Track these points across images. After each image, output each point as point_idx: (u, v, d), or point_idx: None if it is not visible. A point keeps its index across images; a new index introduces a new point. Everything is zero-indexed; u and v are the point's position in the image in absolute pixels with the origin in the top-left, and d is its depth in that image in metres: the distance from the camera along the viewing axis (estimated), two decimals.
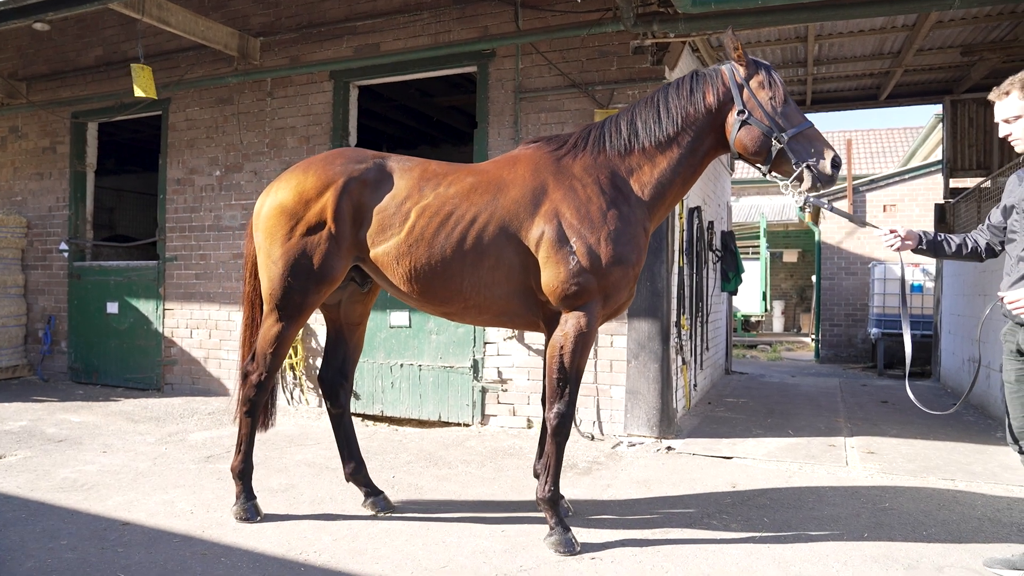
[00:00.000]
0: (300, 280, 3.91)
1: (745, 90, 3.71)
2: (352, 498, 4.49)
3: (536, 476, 4.15)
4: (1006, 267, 3.43)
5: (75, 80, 8.93)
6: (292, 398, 7.51)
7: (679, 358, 6.80)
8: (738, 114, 3.69)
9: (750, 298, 15.87)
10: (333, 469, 5.15)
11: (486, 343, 6.60)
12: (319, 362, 7.35)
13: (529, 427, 6.43)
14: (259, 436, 6.09)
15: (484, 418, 6.59)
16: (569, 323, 3.70)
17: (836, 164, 3.59)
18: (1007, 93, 3.31)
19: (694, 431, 6.40)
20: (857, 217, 3.67)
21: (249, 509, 4.09)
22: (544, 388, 4.01)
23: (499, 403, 6.54)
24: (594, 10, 6.12)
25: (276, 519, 4.10)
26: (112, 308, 8.57)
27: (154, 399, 7.82)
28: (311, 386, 7.41)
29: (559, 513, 3.76)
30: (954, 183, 10.71)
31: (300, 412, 7.23)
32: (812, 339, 14.42)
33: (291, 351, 7.37)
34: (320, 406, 7.35)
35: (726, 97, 3.75)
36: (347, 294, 4.35)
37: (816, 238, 14.56)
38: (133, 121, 9.66)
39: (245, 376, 4.14)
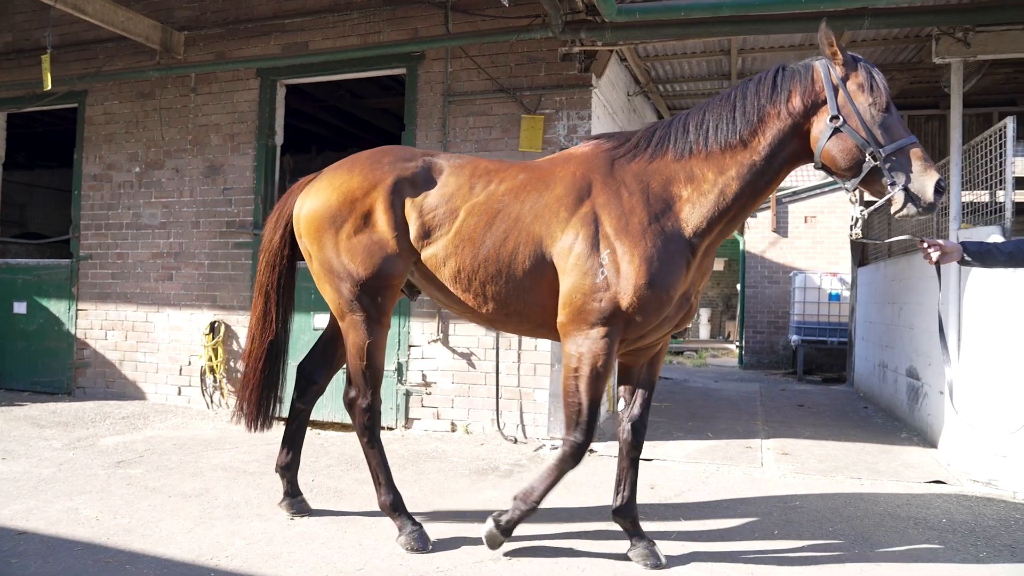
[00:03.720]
0: (361, 286, 3.66)
1: (841, 92, 3.20)
2: (269, 502, 4.39)
3: (615, 517, 3.76)
4: None
5: None
6: (212, 402, 7.30)
7: None
8: (831, 120, 3.19)
9: None
10: (251, 473, 5.03)
11: (411, 346, 6.56)
12: (240, 365, 7.18)
13: (453, 431, 6.42)
14: (175, 440, 5.96)
15: (408, 421, 6.54)
16: (584, 345, 3.37)
17: (939, 190, 3.08)
18: None
19: (617, 434, 6.49)
20: (908, 238, 3.49)
21: (419, 538, 3.71)
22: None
23: (423, 406, 6.51)
24: (523, 16, 6.18)
25: (188, 524, 3.97)
26: (20, 308, 8.17)
27: (64, 403, 7.48)
28: (231, 389, 7.22)
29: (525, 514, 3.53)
30: (868, 196, 11.19)
31: (220, 415, 7.03)
32: (736, 346, 14.84)
33: (211, 353, 7.18)
34: None
35: (817, 99, 3.24)
36: (413, 299, 4.17)
37: (741, 247, 15.00)
38: (47, 113, 9.27)
39: (351, 405, 3.85)
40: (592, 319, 3.34)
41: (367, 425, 3.83)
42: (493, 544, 3.57)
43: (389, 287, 3.73)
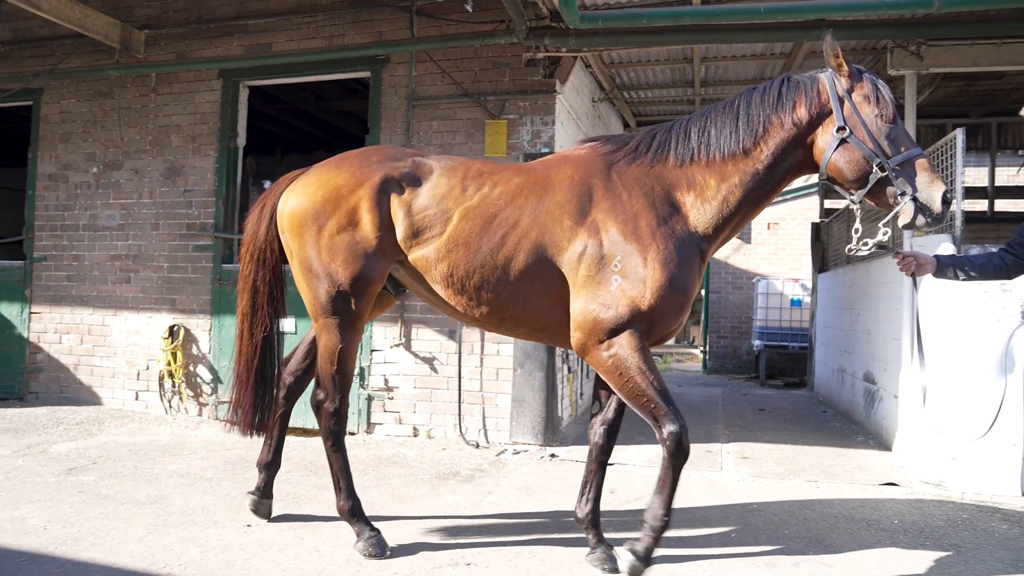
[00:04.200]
0: (339, 287, 3.60)
1: (847, 103, 3.20)
2: (226, 508, 4.33)
3: (578, 521, 3.74)
4: None
5: None
6: (170, 407, 7.18)
7: (565, 366, 6.93)
8: (837, 131, 3.18)
9: None
10: (208, 480, 4.95)
11: (372, 350, 6.52)
12: (200, 369, 7.08)
13: (415, 435, 6.39)
14: (131, 446, 5.85)
15: (370, 426, 6.50)
16: (614, 350, 3.28)
17: (947, 201, 3.10)
18: None
19: (579, 438, 6.53)
20: (889, 246, 3.50)
21: (376, 544, 3.66)
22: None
23: (385, 411, 6.47)
24: (488, 21, 6.19)
25: (140, 532, 3.90)
26: None
27: (15, 408, 7.29)
28: (191, 394, 7.11)
29: (659, 539, 3.33)
30: (828, 204, 11.45)
31: (178, 421, 6.91)
32: (701, 351, 15.00)
33: (170, 358, 7.06)
34: (200, 415, 7.06)
35: (823, 110, 3.24)
36: (397, 299, 4.08)
37: None
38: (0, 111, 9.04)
39: (318, 408, 3.78)
40: (613, 327, 3.28)
41: (333, 429, 3.78)
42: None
43: (367, 291, 3.65)
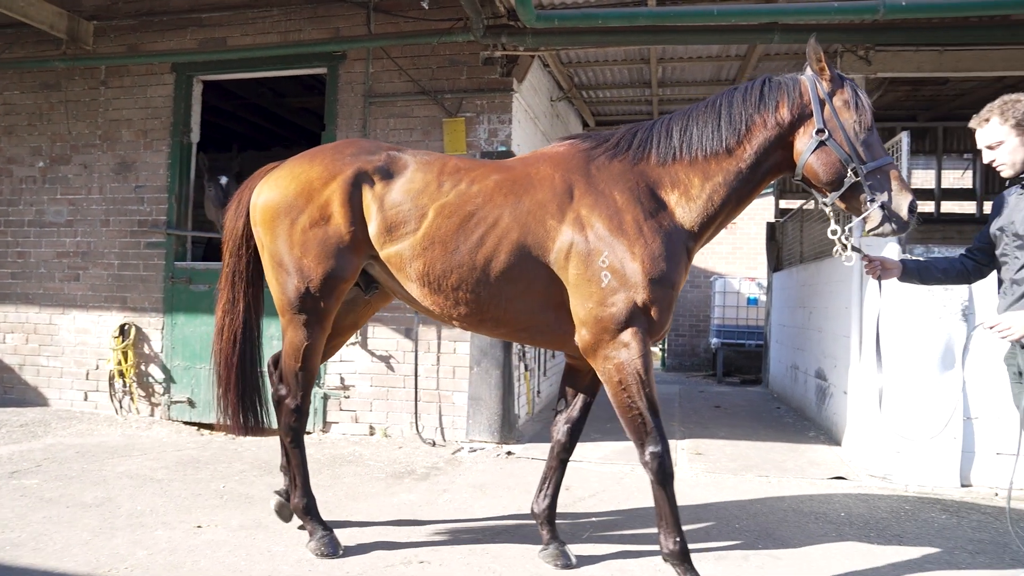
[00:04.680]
0: (309, 282, 3.54)
1: (827, 107, 3.22)
2: (176, 509, 4.26)
3: (534, 515, 3.77)
4: (1000, 290, 3.27)
5: None
6: (121, 407, 7.02)
7: (522, 364, 6.95)
8: (816, 133, 3.20)
9: None
10: (158, 480, 4.86)
11: None
12: (152, 368, 6.95)
13: (371, 434, 6.36)
14: (78, 448, 5.71)
15: (326, 425, 6.45)
16: (618, 353, 3.24)
17: (913, 209, 3.14)
18: (987, 120, 3.14)
19: (536, 436, 6.56)
20: (860, 252, 3.50)
21: (329, 543, 3.64)
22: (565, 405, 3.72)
23: (341, 410, 6.42)
24: (445, 19, 6.18)
25: (86, 536, 3.81)
26: None
27: None
28: (142, 394, 6.97)
29: (691, 565, 3.30)
30: (783, 204, 11.67)
31: (129, 421, 6.77)
32: (660, 348, 15.19)
33: (121, 357, 6.91)
34: (152, 415, 6.93)
35: (803, 112, 3.25)
36: (348, 297, 3.92)
37: None
38: None
39: (279, 403, 3.74)
40: (613, 325, 3.23)
41: (293, 426, 3.74)
42: None
43: (338, 288, 3.59)
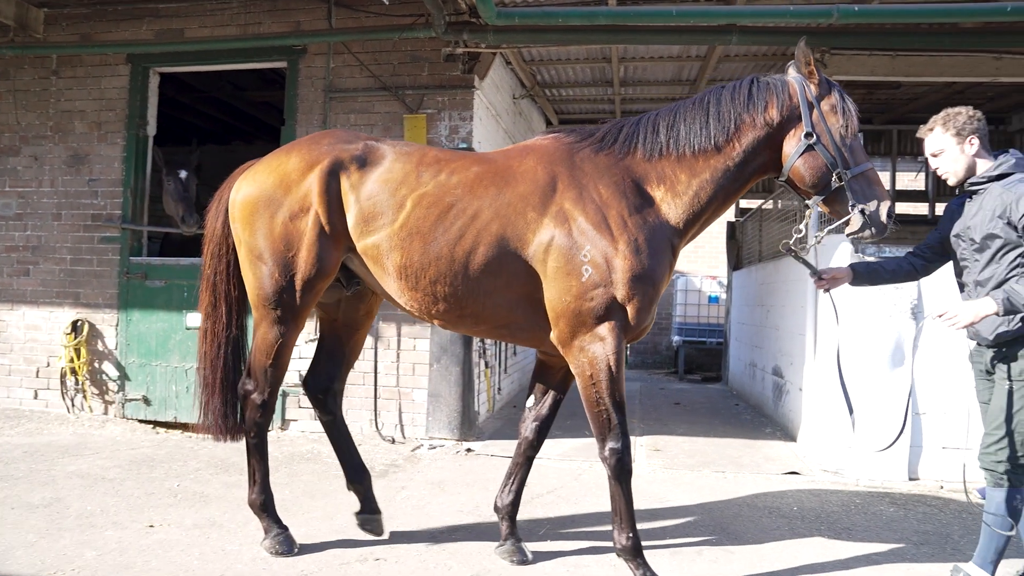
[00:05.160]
0: (288, 276, 3.48)
1: (815, 111, 3.24)
2: (128, 509, 4.19)
3: (497, 510, 3.77)
4: (963, 293, 3.36)
5: None
6: (73, 405, 6.87)
7: (482, 362, 6.95)
8: (805, 136, 3.22)
9: None
10: (110, 480, 4.77)
11: None
12: (106, 366, 6.80)
13: None
14: (27, 447, 5.57)
15: (284, 423, 6.39)
16: (591, 348, 3.23)
17: (891, 215, 3.21)
18: (931, 130, 3.27)
19: (495, 433, 6.58)
20: (812, 267, 3.54)
21: (284, 542, 3.61)
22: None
23: (300, 407, 6.36)
24: (407, 15, 6.15)
25: (31, 537, 3.72)
26: None
27: None
28: (95, 392, 6.82)
29: (643, 560, 3.34)
30: (743, 203, 11.84)
31: (81, 420, 6.62)
32: None
33: (74, 354, 6.75)
34: (106, 413, 6.78)
35: (792, 114, 3.26)
36: (349, 291, 3.85)
37: None
38: None
39: (245, 397, 3.67)
40: (591, 319, 3.22)
41: (258, 421, 3.68)
42: None
43: (316, 283, 3.53)
